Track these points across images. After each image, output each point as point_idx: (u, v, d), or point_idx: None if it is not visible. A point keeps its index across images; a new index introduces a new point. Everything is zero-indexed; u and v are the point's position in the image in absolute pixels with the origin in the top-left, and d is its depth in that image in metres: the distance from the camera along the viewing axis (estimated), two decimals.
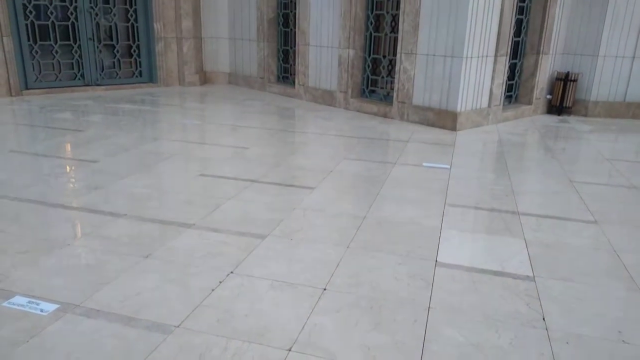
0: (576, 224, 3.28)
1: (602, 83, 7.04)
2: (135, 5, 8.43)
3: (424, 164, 4.57)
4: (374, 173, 4.25)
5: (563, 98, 7.12)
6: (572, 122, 6.84)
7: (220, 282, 2.38)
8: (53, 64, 7.83)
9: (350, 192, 3.82)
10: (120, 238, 2.82)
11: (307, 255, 2.68)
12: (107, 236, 2.84)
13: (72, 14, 7.81)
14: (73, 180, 3.86)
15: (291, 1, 8.23)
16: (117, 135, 5.29)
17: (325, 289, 2.34)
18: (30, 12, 7.42)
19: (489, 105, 6.34)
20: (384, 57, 6.98)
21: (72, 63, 8.02)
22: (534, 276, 2.53)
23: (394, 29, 6.73)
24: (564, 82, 7.07)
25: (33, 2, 7.42)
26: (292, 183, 3.93)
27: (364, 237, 2.95)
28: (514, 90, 7.13)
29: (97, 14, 8.05)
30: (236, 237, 2.89)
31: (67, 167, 4.20)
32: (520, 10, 6.73)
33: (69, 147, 4.89)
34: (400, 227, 3.11)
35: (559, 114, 7.26)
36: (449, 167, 4.49)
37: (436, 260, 2.67)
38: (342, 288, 2.36)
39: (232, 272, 2.47)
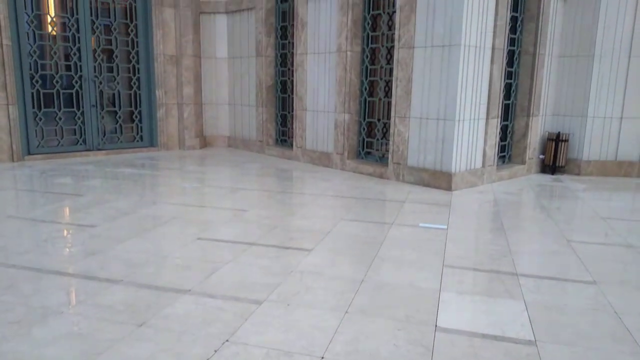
0: (575, 284, 3.25)
1: (592, 143, 7.21)
2: (139, 73, 8.76)
3: (421, 224, 4.59)
4: (371, 234, 4.25)
5: (555, 158, 7.26)
6: (566, 181, 6.93)
7: (216, 351, 2.33)
8: (56, 130, 8.02)
9: (348, 254, 3.81)
10: (115, 305, 2.79)
11: (304, 321, 2.64)
12: (101, 304, 2.81)
13: (76, 82, 8.10)
14: (70, 245, 3.86)
15: (289, 69, 8.57)
16: (116, 200, 5.34)
17: (322, 358, 2.29)
18: (37, 81, 7.70)
19: (483, 166, 6.45)
20: (379, 120, 7.18)
21: (75, 129, 8.21)
22: (535, 340, 2.49)
23: (388, 94, 6.97)
24: (555, 142, 7.24)
25: (40, 72, 7.72)
26: (289, 245, 3.93)
27: (362, 301, 2.91)
28: (507, 150, 7.28)
29: (101, 82, 8.34)
30: (232, 302, 2.85)
31: (65, 233, 4.21)
32: (509, 75, 7.00)
33: (67, 212, 4.92)
34: (398, 290, 3.09)
35: (552, 173, 7.37)
36: (445, 227, 4.51)
37: (436, 325, 2.62)
38: (340, 356, 2.31)
39: (227, 341, 2.42)
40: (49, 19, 7.80)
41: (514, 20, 6.85)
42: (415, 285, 3.17)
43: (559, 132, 7.28)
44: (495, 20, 6.10)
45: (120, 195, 5.58)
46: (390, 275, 3.33)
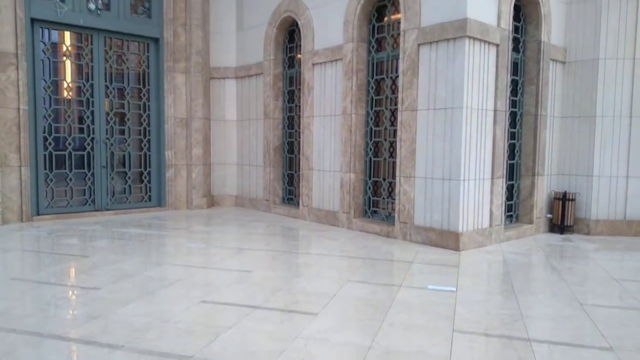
0: (591, 351, 3.13)
1: (600, 202, 7.18)
2: (149, 135, 8.99)
3: (429, 286, 4.51)
4: (378, 297, 4.17)
5: (563, 217, 7.21)
6: (576, 241, 6.84)
7: None
8: (66, 190, 8.14)
9: (355, 318, 3.72)
10: None
11: None
12: None
13: (88, 144, 8.30)
14: (73, 309, 3.81)
15: (296, 131, 8.77)
16: (121, 261, 5.32)
17: None
18: (50, 143, 7.91)
19: (491, 225, 6.40)
20: (384, 179, 7.23)
21: (85, 189, 8.33)
22: None
23: (392, 154, 7.06)
24: (562, 202, 7.21)
25: (54, 135, 7.94)
26: (294, 309, 3.85)
27: None
28: (514, 210, 7.26)
29: (112, 144, 8.55)
30: None
31: (68, 295, 4.17)
32: (512, 136, 7.11)
33: (72, 273, 4.89)
34: (407, 357, 2.98)
35: (561, 233, 7.29)
36: (454, 289, 4.42)
37: None
38: None
39: None
40: (65, 85, 8.12)
41: (514, 83, 7.04)
42: (425, 351, 3.07)
43: (566, 192, 7.28)
44: (496, 83, 6.28)
45: (126, 256, 5.56)
46: (398, 341, 3.24)
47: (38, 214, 7.81)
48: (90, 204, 8.39)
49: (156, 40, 8.93)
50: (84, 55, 8.21)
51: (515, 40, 7.00)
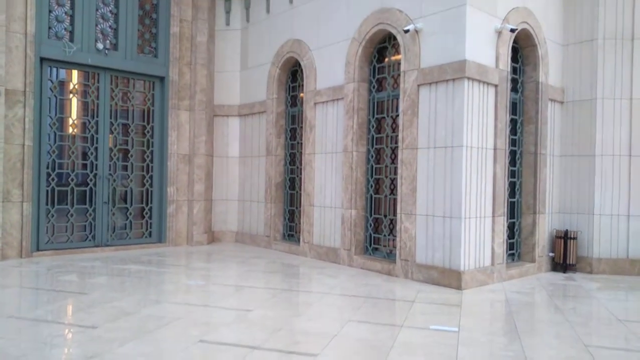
0: None
1: (602, 240, 7.15)
2: (152, 171, 9.06)
3: (432, 327, 4.44)
4: (380, 337, 4.11)
5: (566, 255, 7.16)
6: (579, 280, 6.77)
7: None
8: (67, 226, 8.14)
9: None
10: None
11: None
12: None
13: (91, 180, 8.36)
14: (69, 348, 3.75)
15: (297, 167, 8.84)
16: (120, 299, 5.26)
17: None
18: (53, 179, 7.96)
19: (493, 264, 6.36)
20: (385, 216, 7.23)
21: (85, 225, 8.33)
22: None
23: (393, 191, 7.09)
24: (564, 240, 7.18)
25: (57, 170, 8.01)
26: (294, 350, 3.79)
27: None
28: (516, 248, 7.22)
29: (114, 180, 8.60)
30: None
31: (65, 334, 4.11)
32: (513, 174, 7.15)
33: (69, 311, 4.84)
34: None
35: (564, 271, 7.23)
36: (457, 330, 4.35)
37: None
38: None
39: None
40: (71, 121, 8.25)
41: (513, 122, 7.14)
42: None
43: (567, 230, 7.25)
44: (495, 122, 6.37)
45: (125, 293, 5.51)
46: None
47: (38, 250, 7.78)
48: (90, 240, 8.37)
49: (162, 79, 9.12)
50: (90, 93, 8.37)
51: (514, 81, 7.14)
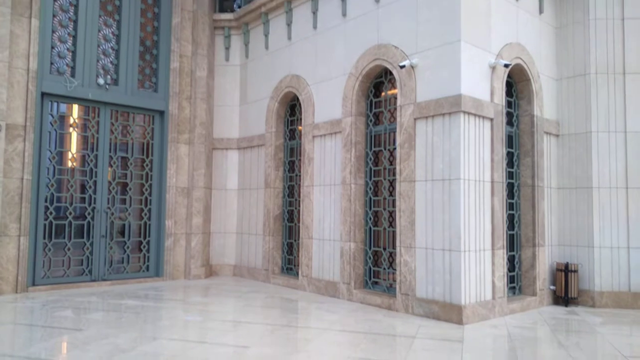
0: None
1: (603, 273, 7.11)
2: (150, 205, 9.05)
3: None
4: None
5: (567, 289, 7.10)
6: (581, 314, 6.69)
7: None
8: (63, 260, 8.07)
9: None
10: None
11: None
12: None
13: (89, 213, 8.34)
14: None
15: (296, 199, 8.85)
16: (115, 335, 5.17)
17: None
18: (51, 212, 7.94)
19: (494, 298, 6.29)
20: (384, 249, 7.20)
21: (82, 259, 8.26)
22: None
23: (392, 224, 7.08)
24: (565, 273, 7.14)
25: (55, 204, 7.99)
26: None
27: None
28: (517, 281, 7.16)
29: (112, 213, 8.58)
30: None
31: None
32: (511, 206, 7.16)
33: (64, 348, 4.75)
34: None
35: (565, 305, 7.15)
36: None
37: None
38: None
39: None
40: (70, 155, 8.29)
41: (510, 155, 7.20)
42: None
43: (567, 263, 7.22)
44: (492, 155, 6.42)
45: (121, 329, 5.42)
46: None
47: (34, 284, 7.69)
48: (87, 274, 8.28)
49: (161, 113, 9.22)
50: (90, 127, 8.45)
51: (509, 115, 7.24)
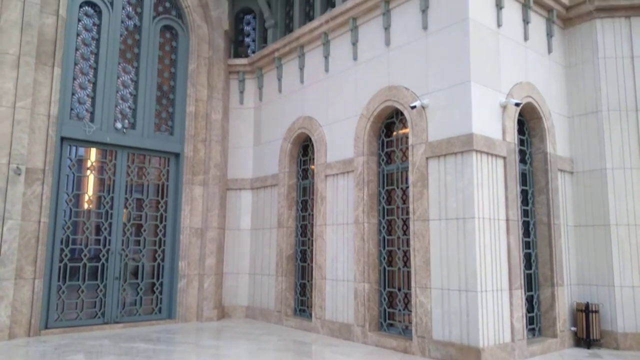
0: None
1: (626, 313, 6.88)
2: (164, 246, 9.08)
3: None
4: None
5: (588, 330, 6.87)
6: (605, 356, 6.44)
7: None
8: (77, 302, 8.06)
9: None
10: None
11: None
12: None
13: (103, 255, 8.38)
14: None
15: (309, 239, 8.82)
16: None
17: None
18: (66, 255, 8.00)
19: (513, 340, 6.11)
20: (399, 290, 7.08)
21: (95, 301, 8.25)
22: None
23: (406, 263, 6.99)
24: (585, 314, 6.93)
25: (70, 246, 8.07)
26: None
27: None
28: (536, 323, 6.96)
29: (127, 255, 8.62)
30: None
31: None
32: (527, 245, 7.05)
33: None
34: None
35: (588, 347, 6.90)
36: None
37: None
38: None
39: None
40: (87, 197, 8.43)
41: (524, 193, 7.15)
42: None
43: (588, 303, 7.01)
44: (506, 193, 6.38)
45: None
46: None
47: (46, 327, 7.66)
48: (99, 317, 8.24)
49: (177, 155, 9.39)
50: (107, 170, 8.62)
51: (522, 152, 7.24)
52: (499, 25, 6.69)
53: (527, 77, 7.07)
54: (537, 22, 7.40)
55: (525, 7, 7.12)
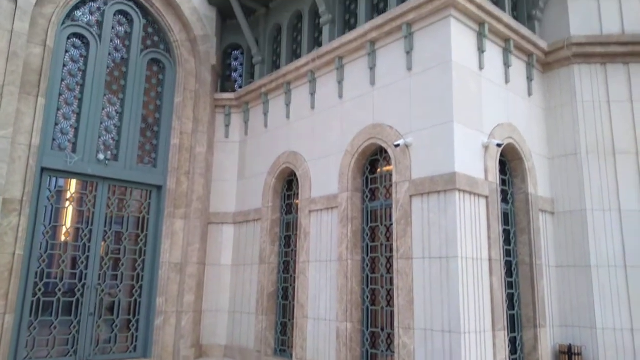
0: None
1: (608, 357, 6.85)
2: (142, 281, 8.85)
3: None
4: None
5: None
6: None
7: None
8: (49, 339, 7.75)
9: None
10: None
11: None
12: None
13: (79, 290, 8.13)
14: None
15: (291, 276, 8.68)
16: None
17: None
18: (40, 289, 7.74)
19: None
20: (382, 330, 6.96)
21: (68, 338, 7.93)
22: None
23: (390, 302, 6.90)
24: (568, 356, 6.88)
25: (45, 280, 7.81)
26: None
27: None
28: None
29: (103, 290, 8.37)
30: None
31: None
32: (510, 285, 7.04)
33: None
34: None
35: None
36: None
37: None
38: None
39: None
40: (64, 230, 8.23)
41: (506, 232, 7.19)
42: None
43: (571, 345, 6.97)
44: (489, 233, 6.41)
45: None
46: None
47: None
48: (72, 355, 7.91)
49: (159, 188, 9.28)
50: (86, 202, 8.46)
51: (504, 192, 7.32)
52: (481, 68, 6.87)
53: (508, 118, 7.22)
54: (518, 66, 7.63)
55: (506, 51, 7.34)
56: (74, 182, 8.44)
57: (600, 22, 7.86)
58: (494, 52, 7.19)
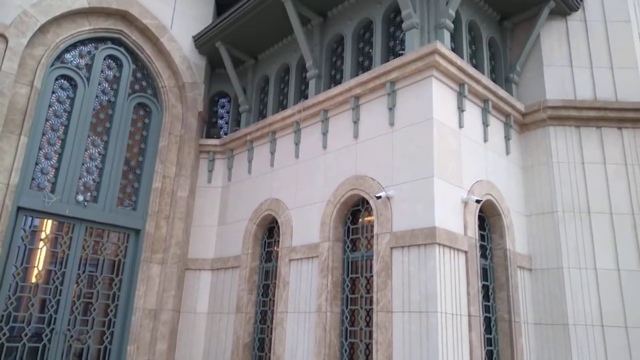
0: None
1: None
2: (113, 327, 8.54)
3: None
4: None
5: None
6: None
7: None
8: None
9: None
10: None
11: None
12: None
13: (46, 335, 7.79)
14: None
15: (268, 327, 8.48)
16: None
17: None
18: (5, 334, 7.39)
19: None
20: None
21: None
22: None
23: (368, 357, 6.77)
24: None
25: (10, 324, 7.48)
26: None
27: None
28: None
29: (72, 336, 8.04)
30: None
31: None
32: (489, 342, 6.99)
33: None
34: None
35: None
36: None
37: None
38: None
39: None
40: (36, 271, 7.97)
41: (485, 288, 7.21)
42: None
43: None
44: (468, 288, 6.42)
45: None
46: None
47: None
48: None
49: (137, 231, 9.13)
50: (61, 243, 8.25)
51: (483, 248, 7.39)
52: (460, 126, 7.10)
53: (487, 175, 7.41)
54: (496, 125, 7.91)
55: (485, 111, 7.63)
56: (49, 222, 8.27)
57: (574, 87, 8.27)
58: (473, 111, 7.46)
